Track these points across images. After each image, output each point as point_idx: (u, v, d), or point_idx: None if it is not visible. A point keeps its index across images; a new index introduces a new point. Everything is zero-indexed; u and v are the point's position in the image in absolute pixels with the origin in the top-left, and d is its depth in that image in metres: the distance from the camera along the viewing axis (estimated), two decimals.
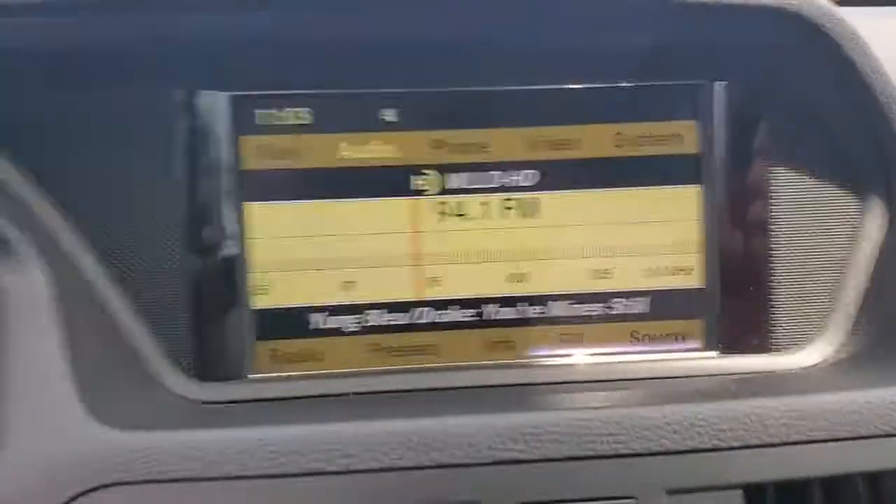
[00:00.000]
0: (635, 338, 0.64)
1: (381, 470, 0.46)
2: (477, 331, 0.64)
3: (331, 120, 0.61)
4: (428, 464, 0.46)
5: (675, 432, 0.47)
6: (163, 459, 0.46)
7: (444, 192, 0.62)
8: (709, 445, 0.47)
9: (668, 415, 0.47)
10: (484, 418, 0.47)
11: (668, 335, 0.65)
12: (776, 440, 0.47)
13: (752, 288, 0.64)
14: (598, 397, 0.53)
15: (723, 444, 0.47)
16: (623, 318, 0.64)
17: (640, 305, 0.64)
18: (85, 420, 0.47)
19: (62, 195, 0.59)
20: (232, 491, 0.46)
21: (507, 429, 0.46)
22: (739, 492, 0.47)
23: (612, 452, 0.46)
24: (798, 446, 0.48)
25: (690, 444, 0.47)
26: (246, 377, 0.61)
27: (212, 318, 0.61)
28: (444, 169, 0.62)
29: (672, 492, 0.46)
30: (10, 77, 0.57)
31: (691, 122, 0.63)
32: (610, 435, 0.46)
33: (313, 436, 0.46)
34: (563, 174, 0.63)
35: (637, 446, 0.46)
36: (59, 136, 0.59)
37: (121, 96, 0.59)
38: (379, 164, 0.61)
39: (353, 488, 0.46)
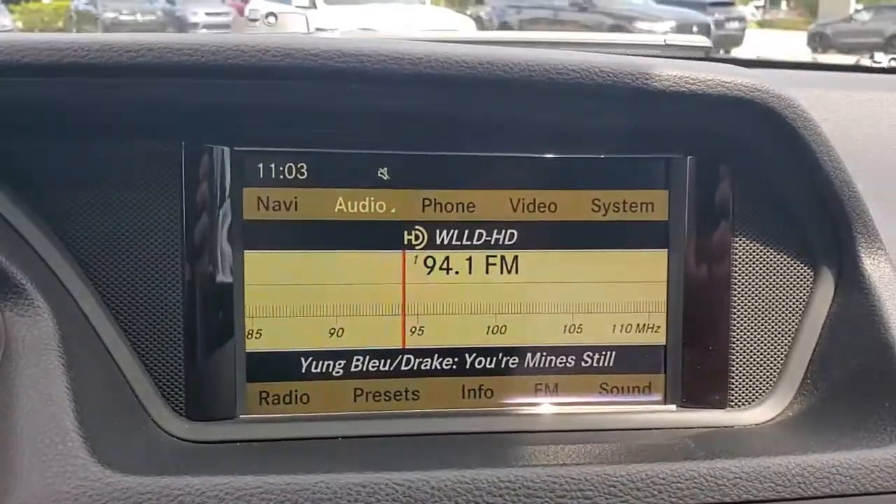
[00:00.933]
0: (604, 389, 0.69)
1: None
2: (457, 378, 0.68)
3: (328, 176, 0.65)
4: None
5: (638, 489, 0.51)
6: (164, 503, 0.49)
7: (432, 247, 0.66)
8: (667, 503, 0.51)
9: (633, 473, 0.51)
10: (465, 473, 0.51)
11: (633, 388, 0.69)
12: (728, 500, 0.52)
13: (711, 346, 0.69)
14: (569, 452, 0.57)
15: (680, 503, 0.51)
16: (593, 370, 0.69)
17: (608, 359, 0.69)
18: (89, 464, 0.50)
19: (66, 238, 0.62)
20: None
21: (486, 483, 0.50)
22: None
23: None
24: None
25: (650, 502, 0.51)
26: (236, 417, 0.65)
27: (205, 359, 0.64)
28: (432, 226, 0.66)
29: None
30: (18, 123, 0.60)
31: (664, 192, 0.68)
32: (579, 491, 0.51)
33: (305, 484, 0.50)
34: (542, 235, 0.67)
35: (603, 502, 0.51)
36: (65, 180, 0.62)
37: (127, 145, 0.62)
38: (372, 218, 0.65)
39: None
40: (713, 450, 0.55)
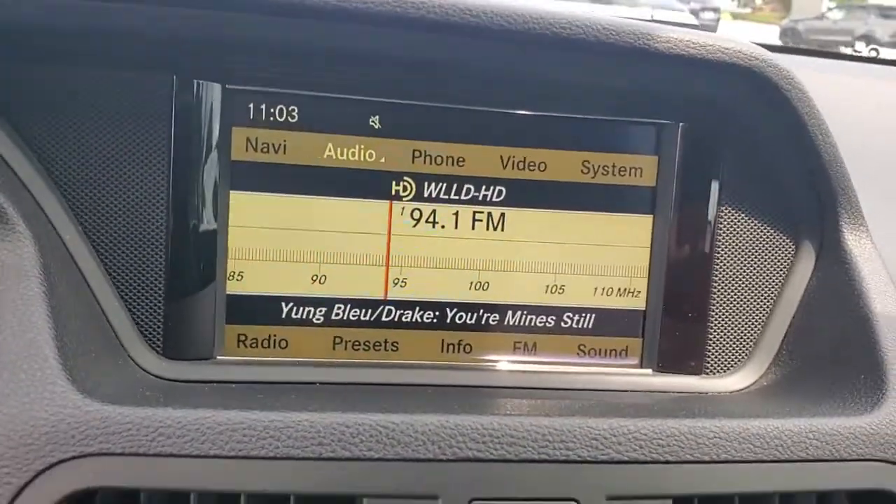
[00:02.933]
0: (582, 350, 0.69)
1: (350, 459, 0.49)
2: (437, 332, 0.68)
3: (319, 120, 0.64)
4: (392, 456, 0.50)
5: (619, 444, 0.52)
6: (142, 434, 0.48)
7: (420, 199, 0.66)
8: (648, 458, 0.52)
9: (615, 427, 0.52)
10: (449, 418, 0.51)
11: (610, 351, 0.70)
12: (706, 458, 0.53)
13: (690, 314, 0.69)
14: (549, 405, 0.57)
15: (660, 458, 0.52)
16: (572, 331, 0.69)
17: (587, 321, 0.69)
18: (68, 391, 0.49)
19: (50, 167, 0.60)
20: (205, 470, 0.49)
21: (470, 429, 0.50)
22: (668, 501, 0.52)
23: (563, 458, 0.51)
24: (725, 465, 0.53)
25: (632, 456, 0.52)
26: (213, 358, 0.64)
27: (185, 298, 0.63)
28: (421, 177, 0.66)
29: (611, 497, 0.51)
30: (9, 49, 0.58)
31: (654, 157, 0.68)
32: (562, 442, 0.51)
33: (290, 422, 0.49)
34: (530, 193, 0.67)
35: (585, 454, 0.51)
36: (52, 109, 0.60)
37: (117, 77, 0.61)
38: (361, 167, 0.65)
39: (321, 474, 0.49)
40: (693, 411, 0.56)
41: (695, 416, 0.54)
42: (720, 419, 0.54)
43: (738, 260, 0.70)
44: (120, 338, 0.60)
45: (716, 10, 15.27)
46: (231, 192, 0.63)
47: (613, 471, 0.51)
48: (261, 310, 0.65)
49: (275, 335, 0.66)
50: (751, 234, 0.69)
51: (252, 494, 0.49)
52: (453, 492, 0.50)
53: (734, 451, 0.53)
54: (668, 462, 0.52)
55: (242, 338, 0.65)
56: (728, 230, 0.69)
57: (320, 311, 0.66)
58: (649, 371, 0.70)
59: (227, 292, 0.64)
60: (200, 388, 0.60)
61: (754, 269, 0.70)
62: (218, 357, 0.64)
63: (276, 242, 0.64)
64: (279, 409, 0.50)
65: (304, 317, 0.66)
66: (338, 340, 0.66)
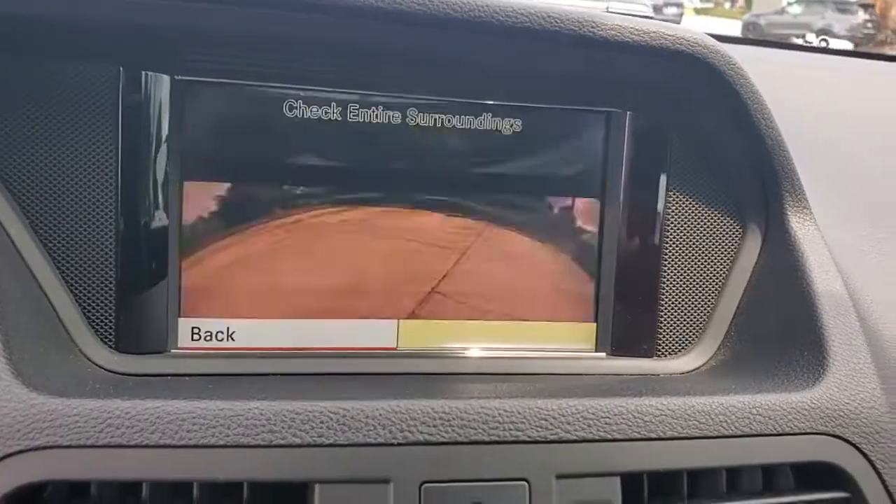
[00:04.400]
0: (535, 336, 0.70)
1: (301, 446, 0.50)
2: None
3: None
4: (344, 442, 0.50)
5: (567, 423, 0.52)
6: (90, 425, 0.48)
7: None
8: (596, 437, 0.53)
9: (564, 407, 0.53)
10: (399, 403, 0.51)
11: (564, 335, 0.71)
12: (653, 435, 0.54)
13: (640, 297, 0.71)
14: (500, 388, 0.58)
15: (608, 436, 0.53)
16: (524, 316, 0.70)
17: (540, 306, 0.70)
18: (11, 383, 0.49)
19: None
20: (156, 460, 0.49)
21: (420, 413, 0.51)
22: (617, 479, 0.53)
23: (512, 439, 0.51)
24: (672, 441, 0.54)
25: (580, 435, 0.52)
26: (167, 351, 0.64)
27: (137, 290, 0.63)
28: None
29: (561, 476, 0.52)
30: None
31: (602, 144, 0.69)
32: (511, 423, 0.52)
33: (239, 410, 0.49)
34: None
35: (534, 434, 0.52)
36: None
37: (62, 66, 0.60)
38: None
39: (273, 461, 0.49)
40: (640, 391, 0.57)
41: (642, 395, 0.55)
42: (666, 397, 0.55)
43: (687, 243, 0.71)
44: (70, 332, 0.60)
45: (679, 4, 15.42)
46: (185, 182, 0.63)
47: (562, 450, 0.52)
48: (215, 302, 0.65)
49: (229, 327, 0.65)
50: (698, 218, 0.71)
51: (204, 483, 0.49)
52: (405, 475, 0.50)
53: (680, 428, 0.54)
54: (615, 440, 0.53)
55: (196, 330, 0.65)
56: (676, 214, 0.70)
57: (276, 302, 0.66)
58: (603, 355, 0.71)
59: (181, 284, 0.64)
60: (153, 381, 0.60)
61: (702, 252, 0.71)
62: (171, 350, 0.64)
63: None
64: (228, 399, 0.50)
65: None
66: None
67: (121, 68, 0.61)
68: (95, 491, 0.49)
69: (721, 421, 0.55)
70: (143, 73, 0.61)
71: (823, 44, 1.29)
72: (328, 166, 0.65)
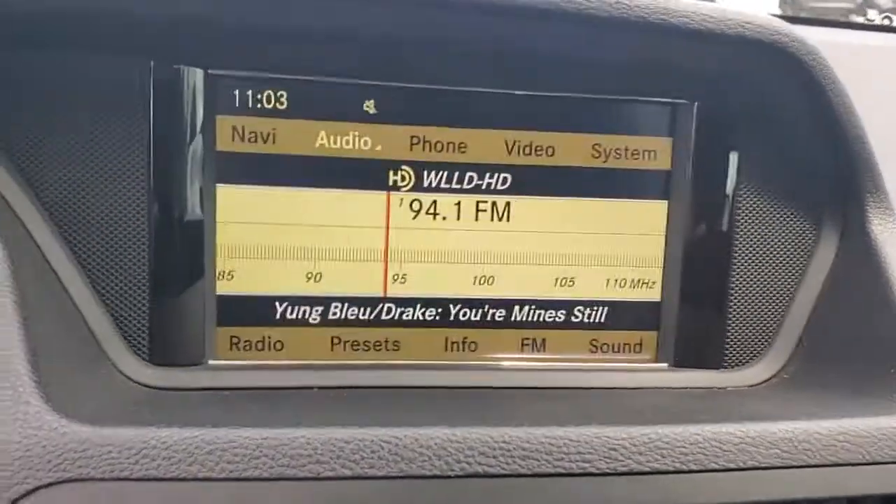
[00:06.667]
0: (594, 346, 0.66)
1: (351, 478, 0.46)
2: (440, 330, 0.64)
3: (310, 106, 0.60)
4: (397, 474, 0.46)
5: (639, 454, 0.48)
6: (124, 456, 0.45)
7: (419, 189, 0.62)
8: (671, 468, 0.48)
9: (635, 436, 0.48)
10: (456, 431, 0.47)
11: (624, 345, 0.66)
12: (732, 466, 0.49)
13: (707, 305, 0.66)
14: (563, 411, 0.54)
15: (683, 468, 0.48)
16: (583, 325, 0.65)
17: (600, 315, 0.65)
18: (41, 409, 0.45)
19: (21, 164, 0.56)
20: (195, 494, 0.45)
21: (478, 443, 0.47)
22: None
23: (580, 471, 0.47)
24: (752, 472, 0.49)
25: (653, 466, 0.48)
26: (204, 363, 0.60)
27: (172, 301, 0.59)
28: (420, 166, 0.61)
29: None
30: None
31: (668, 139, 0.64)
32: (579, 454, 0.47)
33: (284, 439, 0.46)
34: (536, 180, 0.63)
35: (604, 466, 0.47)
36: (19, 99, 0.56)
37: (91, 62, 0.56)
38: (356, 155, 0.60)
39: (321, 495, 0.46)
40: (714, 413, 0.52)
41: (718, 420, 0.50)
42: (745, 423, 0.51)
43: (757, 246, 0.66)
44: (102, 345, 0.56)
45: None
46: (217, 185, 0.59)
47: (634, 483, 0.48)
48: (253, 310, 0.61)
49: (269, 336, 0.62)
50: (770, 218, 0.65)
51: None
52: None
53: (761, 458, 0.50)
54: (691, 472, 0.48)
55: (235, 340, 0.61)
56: (746, 215, 0.65)
57: (316, 310, 0.62)
58: (665, 366, 0.66)
59: (217, 293, 0.61)
60: (190, 396, 0.57)
61: (774, 254, 0.66)
62: (209, 362, 0.61)
63: (267, 239, 0.60)
64: (273, 426, 0.46)
65: (299, 317, 0.62)
66: (336, 341, 0.63)
67: (152, 62, 0.57)
68: None
69: (805, 449, 0.50)
70: (176, 67, 0.57)
71: (886, 21, 1.22)
72: (370, 166, 0.61)
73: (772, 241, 0.66)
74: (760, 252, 0.66)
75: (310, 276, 0.61)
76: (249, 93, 0.59)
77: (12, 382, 0.45)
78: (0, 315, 0.47)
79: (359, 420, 0.48)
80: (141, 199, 0.58)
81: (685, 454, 0.48)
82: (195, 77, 0.58)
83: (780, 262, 0.66)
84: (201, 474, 0.45)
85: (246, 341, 0.61)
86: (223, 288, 0.60)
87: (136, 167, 0.57)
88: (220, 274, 0.60)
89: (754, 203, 0.65)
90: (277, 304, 0.61)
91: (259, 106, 0.59)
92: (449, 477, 0.46)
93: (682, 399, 0.59)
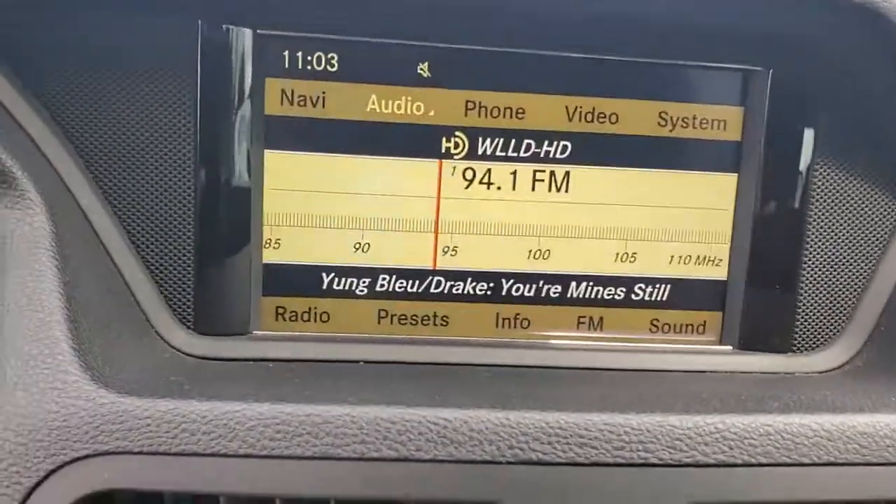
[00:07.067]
0: (655, 326, 0.62)
1: (397, 460, 0.43)
2: (492, 305, 0.61)
3: (362, 69, 0.57)
4: (445, 458, 0.44)
5: (705, 445, 0.45)
6: (163, 430, 0.43)
7: (473, 156, 0.59)
8: (738, 461, 0.45)
9: (700, 426, 0.45)
10: (509, 415, 0.44)
11: (686, 326, 0.63)
12: (806, 460, 0.46)
13: (777, 285, 0.62)
14: (623, 396, 0.50)
15: (752, 461, 0.45)
16: (644, 304, 0.62)
17: (662, 293, 0.62)
18: (79, 379, 0.44)
19: (66, 126, 0.54)
20: (235, 471, 0.43)
21: (533, 428, 0.44)
22: None
23: (640, 461, 0.44)
24: (827, 468, 0.46)
25: (719, 459, 0.45)
26: (249, 333, 0.59)
27: (217, 268, 0.57)
28: (475, 132, 0.58)
29: None
30: None
31: (739, 109, 0.60)
32: (640, 443, 0.44)
33: (328, 417, 0.44)
34: (599, 149, 0.59)
35: (666, 457, 0.44)
36: (66, 61, 0.54)
37: (137, 23, 0.54)
38: (407, 121, 0.58)
39: (365, 476, 0.43)
40: (785, 402, 0.49)
41: (790, 410, 0.47)
42: (820, 414, 0.47)
43: (832, 225, 0.61)
44: (146, 313, 0.55)
45: None
46: (265, 151, 0.57)
47: (698, 476, 0.45)
48: (300, 280, 0.59)
49: (315, 308, 0.60)
50: (847, 197, 0.61)
51: (288, 499, 0.44)
52: (515, 499, 0.43)
53: (837, 453, 0.46)
54: (760, 465, 0.45)
55: (280, 311, 0.59)
56: (822, 192, 0.61)
57: (364, 281, 0.60)
58: (729, 348, 0.62)
59: (263, 261, 0.59)
60: (235, 367, 0.55)
61: (850, 235, 0.62)
62: (254, 332, 0.59)
63: (314, 207, 0.58)
64: (317, 402, 0.44)
65: (346, 288, 0.60)
66: (383, 314, 0.60)
67: (200, 22, 0.54)
68: (169, 501, 0.44)
69: (888, 445, 0.46)
70: (224, 26, 0.54)
71: None
72: (422, 133, 0.58)
73: (848, 219, 0.61)
74: (836, 231, 0.61)
75: (357, 246, 0.59)
76: (299, 54, 0.56)
77: (51, 350, 0.44)
78: (39, 278, 0.46)
79: (406, 399, 0.45)
80: (188, 165, 0.56)
81: (754, 446, 0.45)
82: (244, 37, 0.55)
83: (857, 243, 0.62)
84: (242, 450, 0.43)
85: (292, 312, 0.59)
86: (269, 256, 0.59)
87: (183, 132, 0.55)
88: (266, 242, 0.58)
89: (831, 179, 0.61)
90: (324, 274, 0.59)
91: (309, 68, 0.56)
92: (500, 463, 0.44)
93: (749, 385, 0.56)
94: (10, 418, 0.43)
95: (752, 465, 0.45)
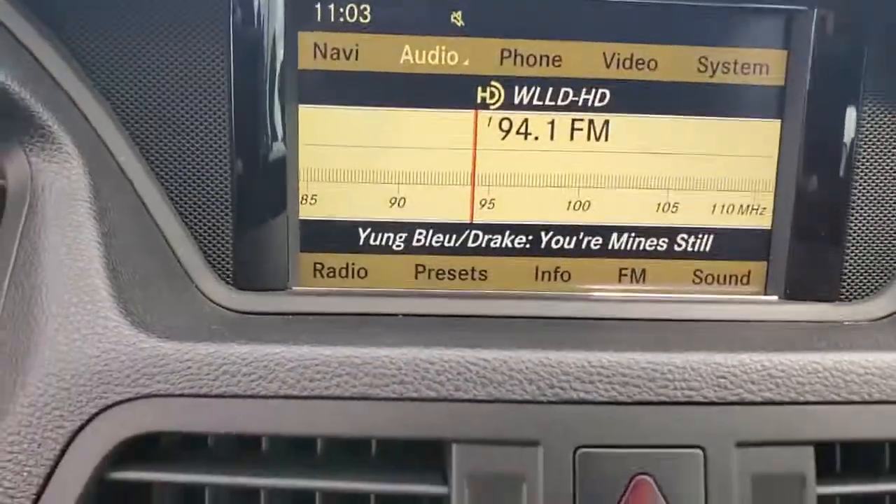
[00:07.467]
0: (698, 277, 0.61)
1: (436, 400, 0.43)
2: (530, 259, 0.60)
3: (394, 20, 0.56)
4: (485, 398, 0.43)
5: (752, 382, 0.44)
6: (204, 373, 0.43)
7: (509, 106, 0.58)
8: (786, 399, 0.44)
9: (746, 363, 0.44)
10: (549, 354, 0.44)
11: (730, 276, 0.61)
12: (856, 398, 0.44)
13: (824, 233, 0.60)
14: (663, 339, 0.49)
15: (799, 399, 0.44)
16: (687, 255, 0.61)
17: (705, 243, 0.61)
18: (120, 324, 0.44)
19: (104, 84, 0.55)
20: (275, 411, 0.43)
21: (574, 367, 0.43)
22: (811, 449, 0.44)
23: (685, 399, 0.43)
24: (878, 406, 0.45)
25: (766, 396, 0.44)
26: (287, 289, 0.59)
27: (255, 224, 0.57)
28: (510, 81, 0.58)
29: (741, 444, 0.44)
30: None
31: (783, 52, 0.58)
32: (684, 381, 0.43)
33: (367, 358, 0.43)
34: (638, 97, 0.58)
35: (711, 395, 0.43)
36: (101, 16, 0.54)
37: None
38: (442, 72, 0.57)
39: (405, 416, 0.43)
40: (835, 342, 0.47)
41: (839, 349, 0.46)
42: (870, 352, 0.46)
43: (881, 171, 0.60)
44: (185, 267, 0.55)
45: None
46: (300, 105, 0.57)
47: (744, 414, 0.44)
48: (337, 236, 0.59)
49: (353, 263, 0.60)
50: None
51: (328, 438, 0.44)
52: (557, 438, 0.43)
53: (890, 390, 0.45)
54: (808, 403, 0.44)
55: (318, 266, 0.59)
56: (870, 137, 0.59)
57: (400, 236, 0.59)
58: (775, 298, 0.61)
59: (300, 217, 0.59)
60: (273, 320, 0.55)
61: None
62: (293, 288, 0.59)
63: (350, 161, 0.58)
64: (355, 344, 0.44)
65: (383, 243, 0.59)
66: (420, 269, 0.60)
67: None
68: (212, 443, 0.45)
69: None
70: None
71: None
72: (457, 83, 0.57)
73: None
74: (884, 177, 0.60)
75: (393, 200, 0.59)
76: (331, 6, 0.56)
77: (91, 297, 0.45)
78: (78, 228, 0.46)
79: (445, 342, 0.45)
80: (222, 121, 0.56)
81: (802, 384, 0.44)
82: None
83: None
84: (282, 392, 0.43)
85: (329, 268, 0.59)
86: (306, 213, 0.59)
87: (217, 88, 0.56)
88: (303, 198, 0.58)
89: (879, 124, 0.59)
90: (360, 229, 0.59)
91: (342, 20, 0.56)
92: (541, 402, 0.43)
93: (796, 330, 0.54)
94: (52, 363, 0.43)
95: (799, 403, 0.44)
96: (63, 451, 0.42)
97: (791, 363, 0.44)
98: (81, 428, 0.42)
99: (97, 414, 0.42)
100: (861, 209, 0.60)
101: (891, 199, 0.60)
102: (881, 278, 0.61)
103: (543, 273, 0.61)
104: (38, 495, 0.42)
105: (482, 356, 0.44)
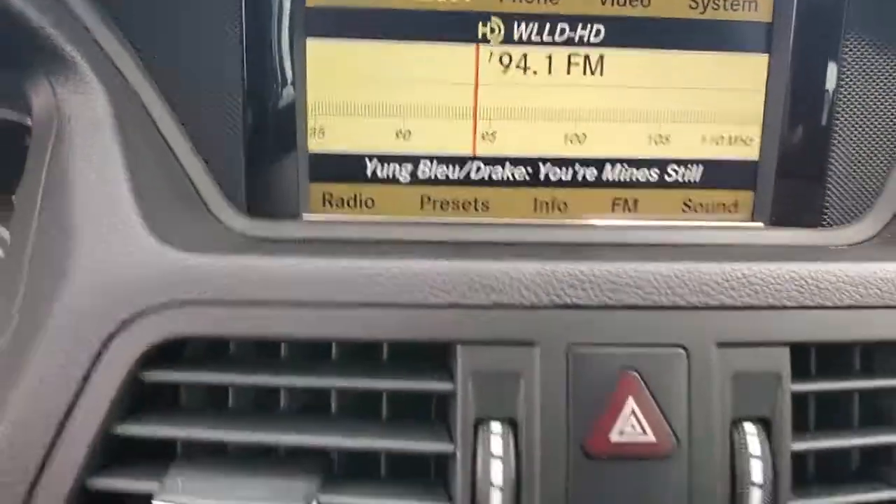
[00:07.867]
0: (687, 206, 0.64)
1: (443, 306, 0.47)
2: (529, 189, 0.64)
3: None
4: (487, 303, 0.47)
5: (732, 289, 0.47)
6: (226, 281, 0.47)
7: (509, 41, 0.61)
8: (764, 304, 0.47)
9: (727, 272, 0.48)
10: (546, 265, 0.47)
11: (719, 205, 0.65)
12: (828, 303, 0.48)
13: (808, 163, 0.63)
14: (651, 253, 0.53)
15: (777, 304, 0.48)
16: (677, 185, 0.64)
17: (694, 173, 0.64)
18: (149, 240, 0.48)
19: (122, 20, 0.58)
20: (294, 317, 0.47)
21: (567, 275, 0.47)
22: (786, 349, 0.48)
23: (669, 304, 0.47)
24: (848, 311, 0.48)
25: (745, 301, 0.47)
26: (298, 217, 0.62)
27: (267, 156, 0.61)
28: (510, 17, 0.60)
29: (722, 344, 0.47)
30: None
31: None
32: (669, 287, 0.47)
33: (378, 269, 0.47)
34: (632, 32, 0.61)
35: (694, 300, 0.47)
36: None
37: None
38: (446, 8, 0.60)
39: (413, 321, 0.47)
40: (811, 257, 0.51)
41: (815, 261, 0.49)
42: (843, 263, 0.49)
43: (864, 104, 0.62)
44: (202, 195, 0.59)
45: None
46: (308, 39, 0.59)
47: (725, 317, 0.47)
48: (345, 168, 0.62)
49: (360, 194, 0.63)
50: (878, 74, 0.62)
51: (343, 342, 0.48)
52: (551, 338, 0.47)
53: (858, 296, 0.48)
54: (784, 307, 0.48)
55: (328, 197, 0.63)
56: (854, 71, 0.62)
57: (406, 168, 0.63)
58: (761, 225, 0.64)
59: (310, 150, 0.62)
60: (287, 245, 0.58)
61: (881, 113, 0.63)
62: (304, 216, 0.62)
63: (357, 95, 0.61)
64: (368, 258, 0.47)
65: (389, 175, 0.63)
66: (426, 199, 0.63)
67: None
68: (234, 348, 0.49)
69: None
70: None
71: None
72: (459, 18, 0.60)
73: (878, 98, 0.62)
74: (866, 110, 0.63)
75: (399, 133, 0.62)
76: None
77: (121, 217, 0.48)
78: (106, 152, 0.49)
79: (451, 256, 0.48)
80: (233, 56, 0.59)
81: (779, 290, 0.48)
82: None
83: (887, 124, 0.63)
84: (300, 298, 0.46)
85: (338, 198, 0.63)
86: (315, 145, 0.62)
87: (227, 22, 0.58)
88: (311, 130, 0.61)
89: (861, 59, 0.62)
90: (367, 161, 0.62)
91: None
92: (537, 307, 0.47)
93: (779, 250, 0.58)
94: (86, 275, 0.47)
95: (776, 307, 0.47)
96: (99, 354, 0.46)
97: (770, 272, 0.48)
98: (115, 333, 0.46)
99: (129, 320, 0.46)
100: (843, 141, 0.63)
101: (872, 132, 0.63)
102: (862, 207, 0.64)
103: (542, 203, 0.64)
104: (77, 395, 0.46)
105: (485, 266, 0.47)
